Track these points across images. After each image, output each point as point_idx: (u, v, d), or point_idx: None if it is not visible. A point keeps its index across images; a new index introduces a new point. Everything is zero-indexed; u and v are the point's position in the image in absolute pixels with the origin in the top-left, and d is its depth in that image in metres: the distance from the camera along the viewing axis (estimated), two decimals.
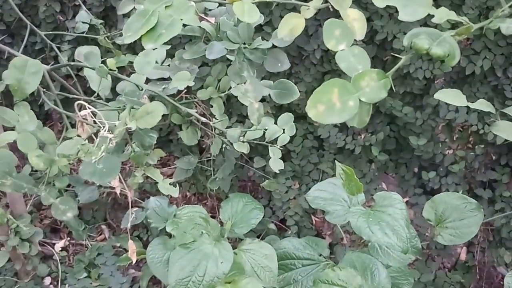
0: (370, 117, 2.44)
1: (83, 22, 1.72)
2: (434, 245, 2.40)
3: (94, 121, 1.13)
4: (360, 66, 0.78)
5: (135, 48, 2.48)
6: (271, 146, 1.55)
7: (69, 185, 2.47)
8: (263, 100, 2.53)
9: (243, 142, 1.61)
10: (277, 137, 1.61)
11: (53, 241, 2.41)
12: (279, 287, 1.74)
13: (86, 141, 1.03)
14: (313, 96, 0.73)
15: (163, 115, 1.79)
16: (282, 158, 2.69)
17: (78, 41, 2.39)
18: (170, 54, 1.73)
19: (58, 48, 2.03)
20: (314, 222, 2.58)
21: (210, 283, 1.48)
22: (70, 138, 1.13)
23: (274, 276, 1.60)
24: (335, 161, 1.81)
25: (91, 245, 2.35)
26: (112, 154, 1.20)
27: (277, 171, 1.57)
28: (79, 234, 2.35)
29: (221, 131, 2.51)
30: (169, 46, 1.67)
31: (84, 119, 1.14)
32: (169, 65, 1.55)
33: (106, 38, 1.61)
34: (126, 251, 2.33)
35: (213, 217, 2.28)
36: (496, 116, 2.09)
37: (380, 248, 1.77)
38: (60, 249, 2.39)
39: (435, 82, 2.29)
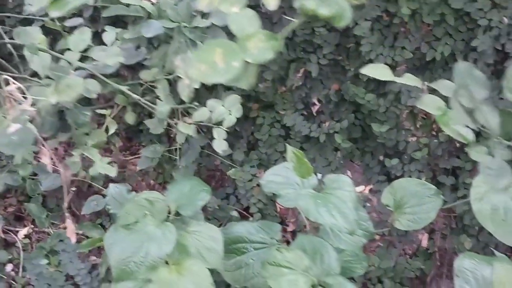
0: (336, 105, 2.42)
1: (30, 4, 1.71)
2: (395, 231, 2.40)
3: (24, 97, 1.13)
4: (252, 29, 0.78)
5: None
6: (215, 127, 1.55)
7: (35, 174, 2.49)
8: (230, 88, 2.54)
9: (189, 124, 1.60)
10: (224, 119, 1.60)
11: (17, 229, 2.41)
12: (231, 270, 1.74)
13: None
14: (195, 56, 0.73)
15: (106, 96, 1.78)
16: (251, 147, 2.72)
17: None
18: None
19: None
20: (278, 210, 2.58)
21: (152, 264, 1.48)
22: None
23: (219, 258, 1.60)
24: (285, 144, 1.80)
25: (53, 232, 2.36)
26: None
27: (221, 152, 1.56)
28: (42, 222, 2.35)
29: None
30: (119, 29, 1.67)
31: (10, 94, 1.13)
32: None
33: (53, 20, 1.61)
34: (88, 238, 2.33)
35: None
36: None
37: (331, 232, 1.77)
38: (23, 236, 2.39)
39: (397, 69, 2.29)
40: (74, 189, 2.49)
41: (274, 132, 2.60)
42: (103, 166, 1.43)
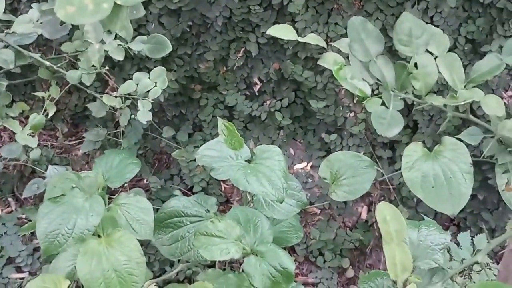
0: (277, 84, 2.44)
1: None
2: (335, 205, 2.44)
3: None
4: None
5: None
6: (141, 99, 1.56)
7: None
8: (170, 70, 2.55)
9: (115, 97, 1.61)
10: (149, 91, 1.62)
11: None
12: (168, 244, 1.76)
13: None
14: None
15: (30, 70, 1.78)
16: (197, 128, 2.74)
17: None
18: None
19: None
20: (223, 188, 2.60)
21: (80, 236, 1.49)
22: None
23: (150, 229, 1.62)
24: (218, 117, 1.82)
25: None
26: None
27: (145, 122, 1.58)
28: None
29: (132, 103, 2.52)
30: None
31: None
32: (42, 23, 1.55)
33: None
34: (30, 221, 2.32)
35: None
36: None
37: (264, 202, 1.80)
38: None
39: (332, 45, 2.32)
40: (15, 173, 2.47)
41: (217, 112, 2.62)
42: (23, 137, 1.43)
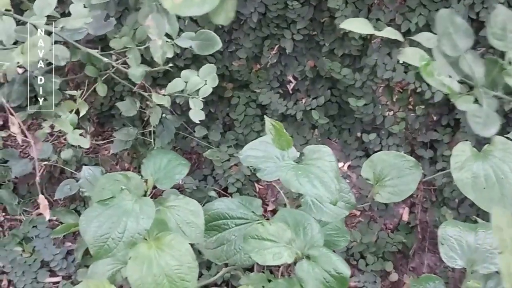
0: (312, 82, 2.38)
1: None
2: (376, 206, 2.38)
3: None
4: None
5: None
6: (192, 98, 1.50)
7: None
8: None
9: (163, 95, 1.55)
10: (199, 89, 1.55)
11: None
12: (213, 248, 1.69)
13: None
14: None
15: (79, 66, 1.72)
16: (227, 128, 2.67)
17: None
18: None
19: None
20: (257, 189, 2.54)
21: (130, 240, 1.43)
22: None
23: (200, 232, 1.56)
24: (265, 117, 1.77)
25: (26, 219, 2.28)
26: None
27: (197, 121, 1.51)
28: (13, 209, 2.28)
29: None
30: None
31: None
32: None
33: None
34: (62, 223, 2.26)
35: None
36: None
37: (313, 204, 1.74)
38: None
39: (372, 42, 2.27)
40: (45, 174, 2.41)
41: (250, 111, 2.56)
42: (75, 137, 1.37)
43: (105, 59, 1.23)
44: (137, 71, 1.31)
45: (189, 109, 2.78)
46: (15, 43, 1.23)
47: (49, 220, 2.32)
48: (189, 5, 0.67)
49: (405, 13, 2.20)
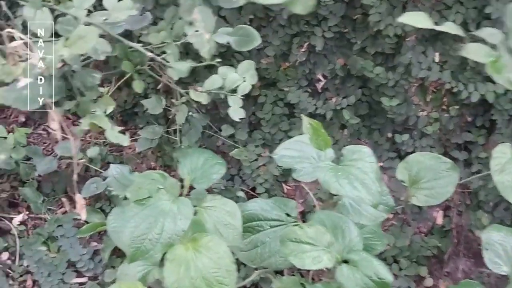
0: (342, 80, 2.32)
1: None
2: (409, 209, 2.32)
3: (28, 55, 1.02)
4: None
5: None
6: (230, 95, 1.45)
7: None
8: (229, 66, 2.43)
9: (201, 92, 1.50)
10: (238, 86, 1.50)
11: (11, 216, 2.29)
12: (246, 250, 1.64)
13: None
14: None
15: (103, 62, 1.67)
16: (253, 127, 2.62)
17: None
18: None
19: None
20: (285, 190, 2.49)
21: (168, 241, 1.38)
22: None
23: (238, 233, 1.51)
24: (301, 115, 1.72)
25: (50, 218, 2.24)
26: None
27: (238, 119, 1.46)
28: (38, 207, 2.23)
29: (187, 100, 2.41)
30: None
31: (15, 51, 1.02)
32: None
33: None
34: (87, 223, 2.22)
35: None
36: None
37: (350, 206, 1.69)
38: (18, 223, 2.27)
39: (407, 40, 2.20)
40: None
41: (277, 110, 2.51)
42: (115, 135, 1.32)
43: (149, 54, 1.18)
44: (183, 66, 1.26)
45: (214, 107, 2.75)
46: (54, 36, 1.18)
47: (74, 219, 2.28)
48: None
49: (441, 10, 2.14)
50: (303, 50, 2.42)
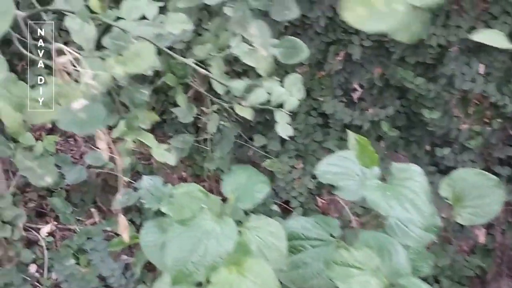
0: (379, 90, 2.24)
1: None
2: (450, 227, 2.23)
3: (76, 70, 0.96)
4: None
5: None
6: (277, 110, 1.38)
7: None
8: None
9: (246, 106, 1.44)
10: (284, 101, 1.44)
11: (39, 226, 2.22)
12: (288, 270, 1.58)
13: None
14: None
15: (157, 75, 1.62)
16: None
17: None
18: None
19: None
20: (320, 204, 2.41)
21: (211, 264, 1.32)
22: None
23: (282, 256, 1.44)
24: (347, 131, 1.65)
25: (79, 229, 2.17)
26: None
27: (286, 137, 1.40)
28: (67, 218, 2.17)
29: (218, 109, 2.35)
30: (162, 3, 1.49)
31: (63, 67, 0.96)
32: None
33: None
34: (118, 235, 2.16)
35: None
36: None
37: (397, 227, 1.61)
38: (46, 234, 2.20)
39: (449, 50, 2.12)
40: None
41: (310, 120, 2.43)
42: (160, 153, 1.25)
43: (203, 70, 1.12)
44: (239, 84, 1.19)
45: (243, 117, 2.68)
46: (99, 48, 1.12)
47: (103, 231, 2.21)
48: (373, 19, 0.55)
49: (487, 20, 2.05)
50: (339, 58, 2.35)
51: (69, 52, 0.95)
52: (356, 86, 2.38)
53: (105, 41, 1.05)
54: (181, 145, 2.38)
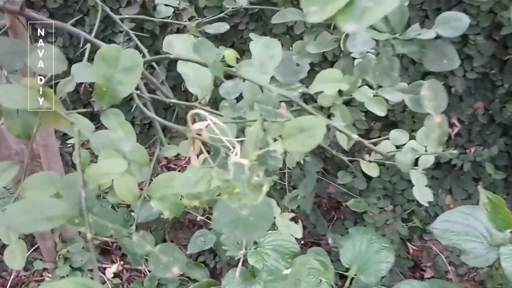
0: (481, 127, 1.98)
1: (166, 5, 1.33)
2: None
3: (210, 137, 0.77)
4: None
5: (225, 40, 2.12)
6: (412, 170, 1.16)
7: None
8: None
9: (369, 162, 1.23)
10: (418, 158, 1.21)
11: (104, 265, 2.04)
12: None
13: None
14: None
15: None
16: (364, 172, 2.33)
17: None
18: None
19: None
20: (410, 251, 2.18)
21: None
22: (166, 158, 0.76)
23: None
24: (478, 187, 1.43)
25: (149, 271, 1.99)
26: None
27: (426, 203, 1.17)
28: (136, 258, 1.99)
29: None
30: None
31: (198, 134, 0.77)
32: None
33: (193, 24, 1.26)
34: (191, 280, 1.97)
35: None
36: None
37: None
38: (113, 275, 2.02)
39: None
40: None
41: None
42: (285, 223, 1.05)
43: (328, 120, 0.91)
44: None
45: (320, 147, 2.48)
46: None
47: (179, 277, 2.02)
48: None
49: None
50: None
51: (209, 117, 0.76)
52: (454, 120, 2.14)
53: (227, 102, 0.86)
54: None
